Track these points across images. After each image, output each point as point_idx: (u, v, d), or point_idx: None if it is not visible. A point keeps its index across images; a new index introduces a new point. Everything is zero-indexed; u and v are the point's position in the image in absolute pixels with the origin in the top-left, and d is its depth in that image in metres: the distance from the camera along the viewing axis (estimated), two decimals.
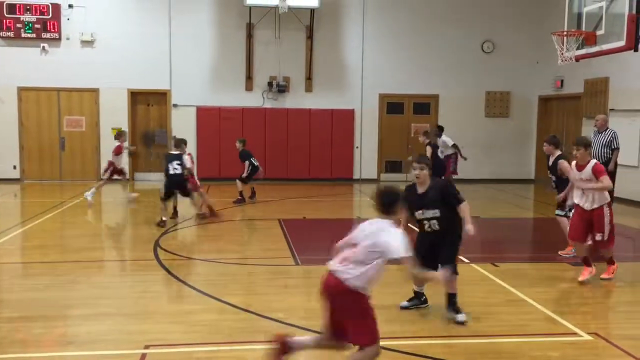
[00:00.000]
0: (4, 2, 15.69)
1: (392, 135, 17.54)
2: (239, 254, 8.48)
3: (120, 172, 12.91)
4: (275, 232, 10.03)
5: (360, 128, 17.41)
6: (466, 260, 8.06)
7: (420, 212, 5.66)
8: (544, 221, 11.98)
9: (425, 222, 5.67)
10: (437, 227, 5.62)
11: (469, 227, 5.50)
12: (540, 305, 6.17)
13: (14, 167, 16.31)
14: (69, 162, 15.32)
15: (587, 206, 6.97)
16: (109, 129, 16.37)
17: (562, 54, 10.48)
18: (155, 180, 16.71)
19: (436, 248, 5.61)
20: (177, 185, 10.51)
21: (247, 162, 12.94)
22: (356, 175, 17.46)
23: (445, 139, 13.97)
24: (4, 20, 15.74)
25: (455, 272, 5.67)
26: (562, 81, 16.26)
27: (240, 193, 12.93)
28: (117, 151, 12.74)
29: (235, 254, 8.47)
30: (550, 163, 8.12)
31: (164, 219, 10.16)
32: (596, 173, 6.87)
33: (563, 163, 7.81)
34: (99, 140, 16.56)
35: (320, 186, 16.33)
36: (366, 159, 17.52)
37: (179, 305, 6.17)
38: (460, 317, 5.65)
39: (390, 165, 17.73)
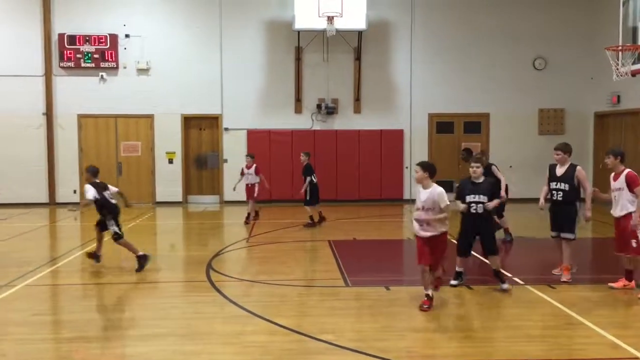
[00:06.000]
0: (64, 34, 16.48)
1: (442, 155, 17.34)
2: (290, 275, 8.51)
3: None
4: (325, 253, 10.05)
5: (410, 148, 17.32)
6: (521, 282, 7.87)
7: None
8: (602, 241, 11.58)
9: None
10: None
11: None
12: (600, 329, 5.95)
13: (74, 192, 16.92)
14: (125, 186, 15.70)
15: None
16: (163, 154, 16.85)
17: (617, 69, 10.23)
18: (207, 202, 17.08)
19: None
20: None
21: (308, 178, 12.68)
22: (406, 196, 17.31)
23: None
24: (65, 51, 16.52)
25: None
26: (618, 97, 15.79)
27: (311, 217, 12.82)
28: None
29: (285, 275, 8.51)
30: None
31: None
32: (629, 181, 7.22)
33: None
34: (154, 164, 17.05)
35: (369, 207, 16.28)
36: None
37: (231, 326, 6.23)
38: (505, 285, 7.38)
39: (441, 186, 17.44)
